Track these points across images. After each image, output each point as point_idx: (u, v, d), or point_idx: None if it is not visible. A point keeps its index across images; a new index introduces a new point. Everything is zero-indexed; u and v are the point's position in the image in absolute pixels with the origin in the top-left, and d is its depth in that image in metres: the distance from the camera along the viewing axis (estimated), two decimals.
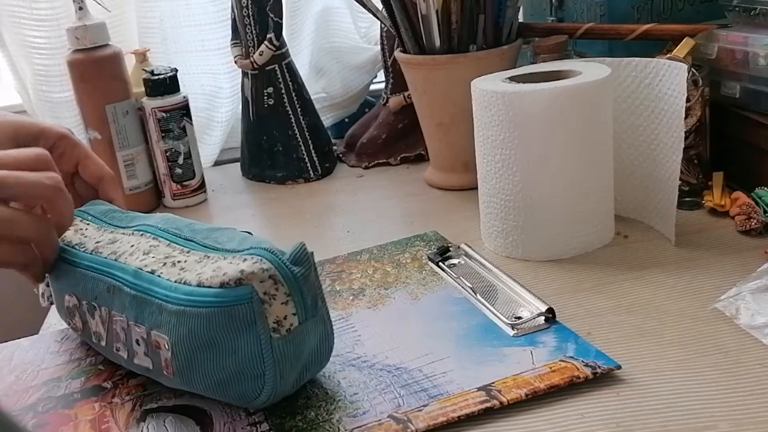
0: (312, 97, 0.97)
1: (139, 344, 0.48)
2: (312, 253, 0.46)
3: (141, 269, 0.48)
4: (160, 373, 0.48)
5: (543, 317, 0.53)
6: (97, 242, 0.52)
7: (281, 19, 0.90)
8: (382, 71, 1.00)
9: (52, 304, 0.59)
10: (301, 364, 0.46)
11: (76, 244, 0.53)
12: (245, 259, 0.44)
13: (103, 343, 0.52)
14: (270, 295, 0.44)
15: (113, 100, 0.86)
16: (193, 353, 0.45)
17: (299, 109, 0.94)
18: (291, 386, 0.46)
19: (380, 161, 0.96)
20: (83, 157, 0.59)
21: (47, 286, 0.58)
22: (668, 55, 0.67)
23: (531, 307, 0.54)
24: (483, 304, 0.56)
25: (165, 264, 0.47)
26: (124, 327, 0.49)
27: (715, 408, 0.43)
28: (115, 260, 0.50)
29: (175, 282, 0.46)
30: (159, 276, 0.47)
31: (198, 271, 0.45)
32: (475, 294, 0.58)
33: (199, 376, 0.46)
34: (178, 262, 0.47)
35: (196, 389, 0.47)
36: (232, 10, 0.92)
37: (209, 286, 0.44)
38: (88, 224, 0.55)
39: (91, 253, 0.52)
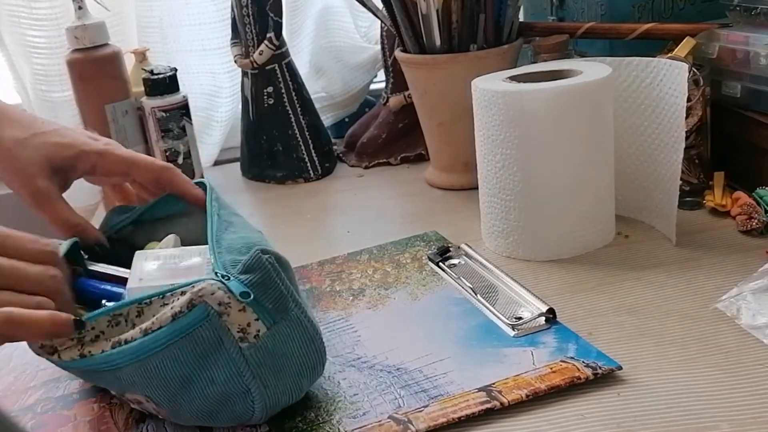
0: (312, 97, 0.97)
1: (123, 397, 0.47)
2: (271, 256, 0.44)
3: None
4: (157, 416, 0.47)
5: (544, 318, 0.53)
6: None
7: (281, 18, 0.90)
8: (382, 71, 1.00)
9: None
10: (287, 372, 0.44)
11: None
12: (193, 287, 0.42)
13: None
14: (224, 304, 0.42)
15: (113, 100, 0.86)
16: (173, 397, 0.44)
17: (299, 109, 0.94)
18: (288, 396, 0.45)
19: (380, 161, 0.96)
20: (130, 165, 0.57)
21: None
22: (669, 55, 0.67)
23: (531, 308, 0.54)
24: (483, 304, 0.56)
25: (98, 338, 0.44)
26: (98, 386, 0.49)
27: (716, 408, 0.43)
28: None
29: (112, 348, 0.43)
30: (94, 354, 0.44)
31: (135, 327, 0.43)
32: (476, 294, 0.57)
33: (191, 414, 0.45)
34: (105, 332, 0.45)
35: (195, 424, 0.46)
36: (232, 10, 0.92)
37: (159, 327, 0.42)
38: None
39: None
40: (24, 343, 0.59)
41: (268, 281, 0.44)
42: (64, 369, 0.48)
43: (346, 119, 1.10)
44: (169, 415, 0.46)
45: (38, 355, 0.46)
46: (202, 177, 0.91)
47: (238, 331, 0.42)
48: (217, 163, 1.06)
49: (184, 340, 0.42)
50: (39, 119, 0.58)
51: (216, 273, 0.43)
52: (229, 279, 0.43)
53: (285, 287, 0.45)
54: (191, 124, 0.89)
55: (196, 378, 0.43)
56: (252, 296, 0.43)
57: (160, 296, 0.43)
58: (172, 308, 0.42)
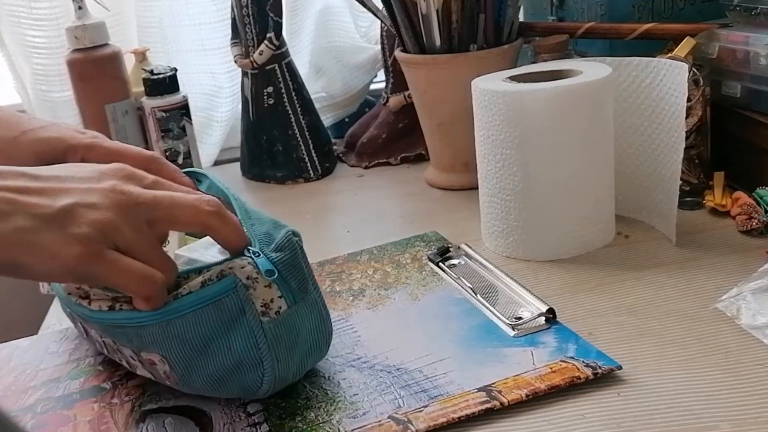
0: (312, 97, 0.97)
1: (134, 360, 0.48)
2: (298, 239, 0.47)
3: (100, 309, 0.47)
4: (162, 382, 0.48)
5: (543, 317, 0.53)
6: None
7: (281, 18, 0.90)
8: (382, 71, 1.00)
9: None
10: (298, 350, 0.46)
11: None
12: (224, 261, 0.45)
13: (105, 352, 0.52)
14: (252, 278, 0.44)
15: (113, 100, 0.86)
16: (189, 360, 0.45)
17: (299, 109, 0.94)
18: (293, 374, 0.47)
19: (380, 161, 0.96)
20: (118, 157, 0.55)
21: None
22: (669, 55, 0.67)
23: (531, 308, 0.54)
24: (483, 304, 0.56)
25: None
26: (113, 346, 0.49)
27: (716, 408, 0.43)
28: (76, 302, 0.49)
29: None
30: (124, 308, 0.45)
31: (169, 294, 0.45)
32: (476, 294, 0.57)
33: (201, 380, 0.46)
34: None
35: (200, 392, 0.47)
36: (232, 10, 0.92)
37: (189, 293, 0.44)
38: None
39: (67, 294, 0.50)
40: (24, 343, 0.59)
41: (295, 262, 0.46)
42: (84, 318, 0.49)
43: (346, 119, 1.10)
44: (179, 381, 0.47)
45: (63, 300, 0.47)
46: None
47: (262, 306, 0.44)
48: (217, 163, 1.06)
49: (209, 307, 0.44)
50: (24, 116, 0.58)
51: (248, 248, 0.45)
52: (259, 256, 0.45)
53: (308, 270, 0.47)
54: (191, 124, 0.89)
55: (214, 343, 0.45)
56: (276, 274, 0.44)
57: (197, 272, 0.45)
58: (202, 276, 0.44)
